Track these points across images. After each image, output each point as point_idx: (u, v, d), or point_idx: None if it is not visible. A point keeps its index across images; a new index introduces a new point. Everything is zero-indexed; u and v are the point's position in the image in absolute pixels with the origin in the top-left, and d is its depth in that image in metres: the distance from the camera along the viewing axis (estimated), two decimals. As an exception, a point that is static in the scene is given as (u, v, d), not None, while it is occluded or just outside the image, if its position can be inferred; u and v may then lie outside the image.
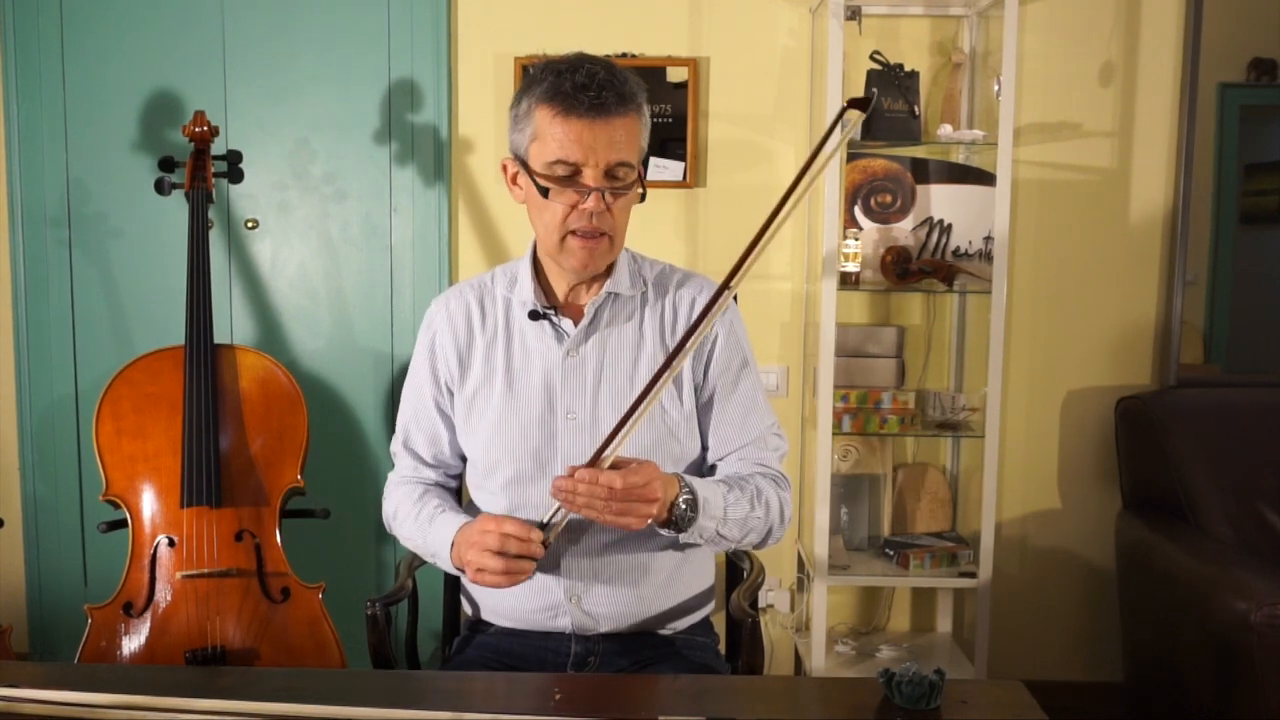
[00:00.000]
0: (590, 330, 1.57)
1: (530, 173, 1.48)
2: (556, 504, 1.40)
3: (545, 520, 1.43)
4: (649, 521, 1.40)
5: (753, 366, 1.64)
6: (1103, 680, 2.83)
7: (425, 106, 2.76)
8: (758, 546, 1.60)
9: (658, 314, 1.60)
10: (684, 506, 1.44)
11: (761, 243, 1.37)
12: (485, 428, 1.58)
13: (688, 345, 1.42)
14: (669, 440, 1.56)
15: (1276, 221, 2.80)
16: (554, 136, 1.44)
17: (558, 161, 1.45)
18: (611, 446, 1.37)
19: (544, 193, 1.47)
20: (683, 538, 1.47)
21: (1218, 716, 2.12)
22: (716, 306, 1.41)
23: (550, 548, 1.43)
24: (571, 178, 1.46)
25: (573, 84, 1.43)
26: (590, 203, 1.46)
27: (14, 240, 2.79)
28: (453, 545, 1.52)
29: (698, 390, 1.61)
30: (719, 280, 1.68)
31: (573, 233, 1.48)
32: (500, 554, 1.39)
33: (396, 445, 1.71)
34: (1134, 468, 2.65)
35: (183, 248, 2.38)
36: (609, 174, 1.46)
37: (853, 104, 1.45)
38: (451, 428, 1.65)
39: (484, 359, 1.60)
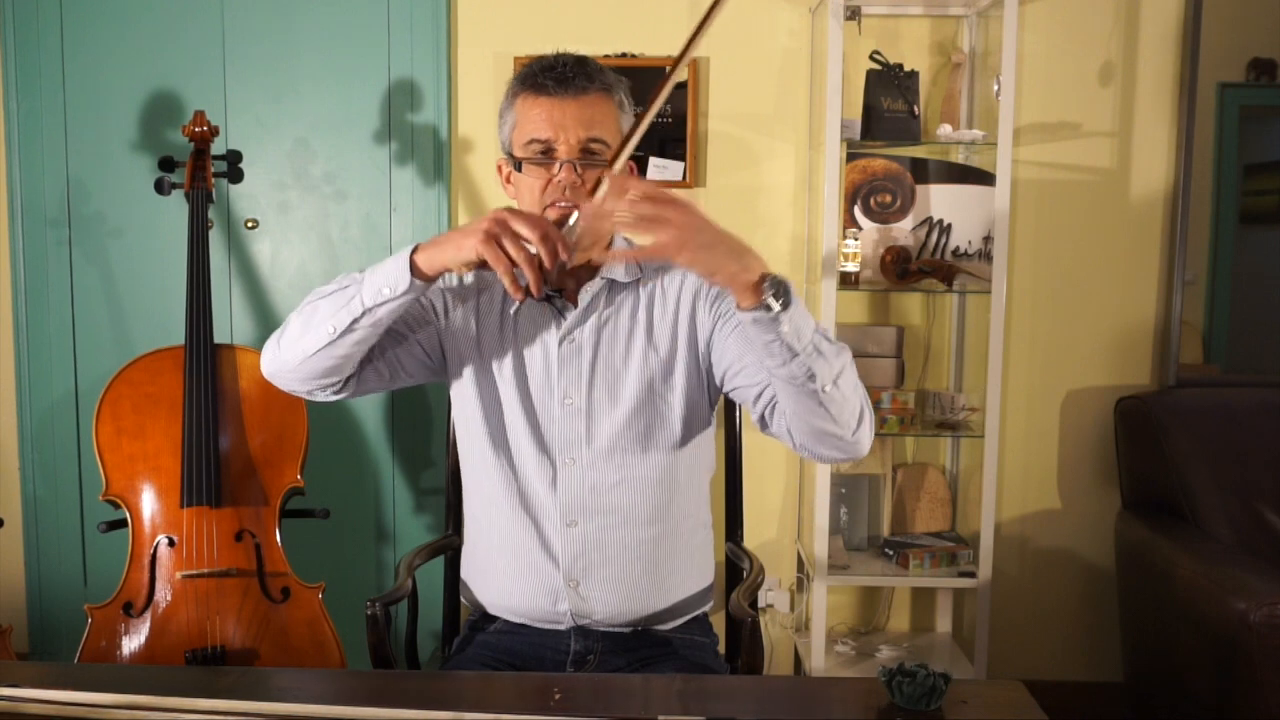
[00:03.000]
0: (587, 316, 1.58)
1: (512, 158, 1.54)
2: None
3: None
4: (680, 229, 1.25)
5: None
6: (1103, 680, 2.82)
7: (425, 106, 2.76)
8: (854, 432, 1.39)
9: (649, 298, 1.61)
10: (778, 283, 1.27)
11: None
12: (485, 410, 1.59)
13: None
14: (659, 429, 1.58)
15: (1276, 221, 2.80)
16: (527, 118, 1.51)
17: (532, 141, 1.50)
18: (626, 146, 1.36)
19: (518, 167, 1.52)
20: (784, 331, 1.28)
21: (1218, 716, 2.12)
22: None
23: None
24: (546, 156, 1.50)
25: (540, 67, 1.51)
26: (562, 174, 1.48)
27: (14, 240, 2.79)
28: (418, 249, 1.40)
29: (708, 348, 1.57)
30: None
31: (551, 206, 1.50)
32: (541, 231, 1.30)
33: None
34: (1134, 468, 2.65)
35: (183, 248, 2.38)
36: (583, 151, 1.50)
37: None
38: (411, 339, 1.59)
39: (488, 337, 1.60)
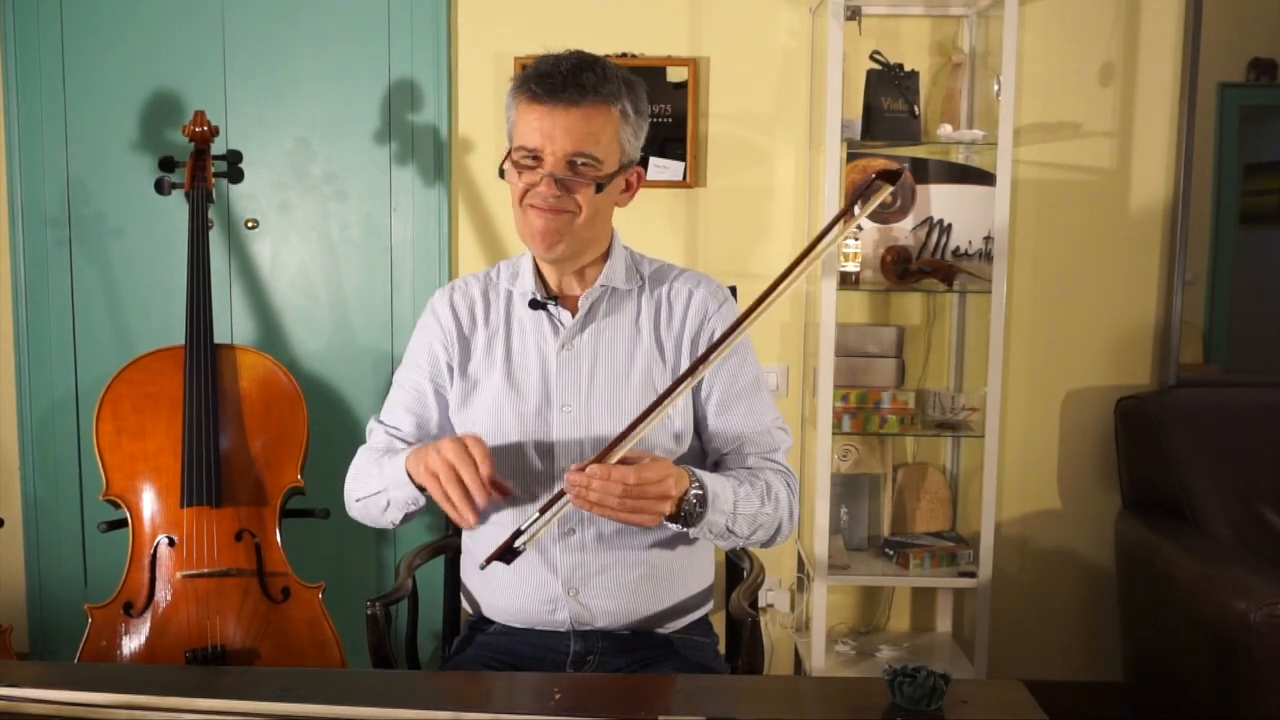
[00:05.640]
0: (585, 323, 1.58)
1: (509, 158, 1.53)
2: (553, 497, 1.37)
3: (540, 508, 1.38)
4: (661, 519, 1.38)
5: (753, 360, 1.63)
6: (1103, 680, 2.83)
7: (425, 106, 2.76)
8: (766, 544, 1.56)
9: (653, 307, 1.60)
10: (694, 501, 1.41)
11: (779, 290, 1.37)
12: (483, 420, 1.58)
13: (711, 358, 1.39)
14: (665, 442, 1.56)
15: (1276, 221, 2.80)
16: (522, 121, 1.49)
17: (520, 147, 1.49)
18: (623, 445, 1.35)
19: (501, 172, 1.52)
20: (692, 533, 1.44)
21: (1218, 716, 2.12)
22: (738, 331, 1.38)
23: (535, 541, 1.38)
24: (534, 163, 1.48)
25: (537, 72, 1.47)
26: (542, 186, 1.47)
27: (14, 240, 2.79)
28: (415, 454, 1.46)
29: (696, 389, 1.60)
30: (718, 277, 1.70)
31: (534, 208, 1.50)
32: (462, 484, 1.36)
33: (374, 421, 1.68)
34: (1134, 468, 2.65)
35: (183, 248, 2.38)
36: (569, 164, 1.47)
37: (882, 176, 1.41)
38: (444, 412, 1.64)
39: (485, 351, 1.60)
